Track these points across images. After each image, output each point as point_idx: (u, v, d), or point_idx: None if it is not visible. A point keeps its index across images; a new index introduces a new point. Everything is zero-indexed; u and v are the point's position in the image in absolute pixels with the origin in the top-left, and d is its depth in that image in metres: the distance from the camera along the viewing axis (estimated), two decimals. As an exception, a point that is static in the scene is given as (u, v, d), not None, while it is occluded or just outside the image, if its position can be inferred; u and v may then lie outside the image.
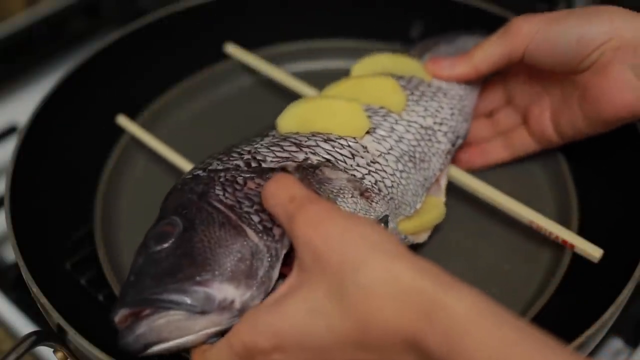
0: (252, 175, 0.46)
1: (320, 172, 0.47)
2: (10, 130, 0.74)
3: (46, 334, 0.45)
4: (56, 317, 0.44)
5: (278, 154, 0.48)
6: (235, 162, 0.47)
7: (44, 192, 0.56)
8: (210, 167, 0.47)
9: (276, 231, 0.43)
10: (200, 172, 0.47)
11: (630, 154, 0.53)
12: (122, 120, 0.62)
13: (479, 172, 0.56)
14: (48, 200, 0.55)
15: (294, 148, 0.48)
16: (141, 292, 0.41)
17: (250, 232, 0.42)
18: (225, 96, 0.67)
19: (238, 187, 0.45)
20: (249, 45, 0.68)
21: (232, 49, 0.67)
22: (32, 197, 0.54)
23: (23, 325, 0.61)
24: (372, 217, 0.47)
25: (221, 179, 0.45)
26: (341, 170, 0.48)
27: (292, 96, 0.62)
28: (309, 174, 0.46)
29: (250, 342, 0.38)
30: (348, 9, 0.70)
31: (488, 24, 0.57)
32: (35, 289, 0.45)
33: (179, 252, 0.42)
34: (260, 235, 0.42)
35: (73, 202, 0.57)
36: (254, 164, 0.47)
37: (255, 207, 0.44)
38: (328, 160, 0.48)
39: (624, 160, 0.54)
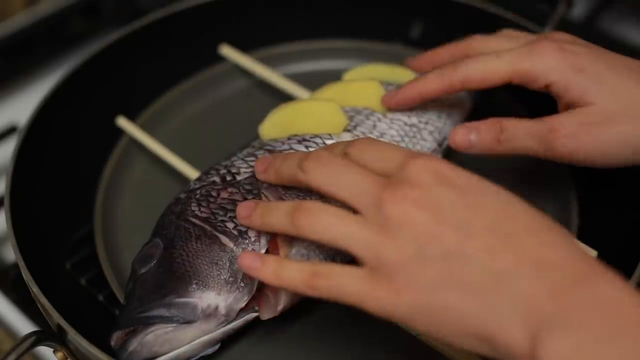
0: (226, 186, 0.47)
1: None
2: (10, 130, 0.74)
3: (46, 334, 0.45)
4: (56, 317, 0.44)
5: (251, 163, 0.49)
6: (212, 178, 0.49)
7: (44, 192, 0.56)
8: (189, 188, 0.49)
9: (251, 233, 0.44)
10: (182, 194, 0.49)
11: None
12: (122, 122, 0.62)
13: (479, 174, 0.56)
14: (48, 201, 0.55)
15: (266, 155, 0.49)
16: (130, 313, 0.43)
17: (225, 240, 0.44)
18: (225, 97, 0.67)
19: (212, 199, 0.47)
20: (249, 46, 0.68)
21: (227, 51, 0.67)
22: (32, 197, 0.54)
23: (23, 325, 0.61)
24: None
25: (197, 196, 0.47)
26: None
27: (290, 97, 0.62)
28: None
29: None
30: (347, 9, 0.69)
31: (488, 24, 0.57)
32: (35, 289, 0.45)
33: (160, 270, 0.44)
34: (235, 240, 0.44)
35: (73, 202, 0.57)
36: (228, 178, 0.48)
37: (230, 214, 0.46)
38: None
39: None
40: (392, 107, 0.53)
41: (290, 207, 0.40)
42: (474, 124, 0.49)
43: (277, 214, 0.41)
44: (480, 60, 0.49)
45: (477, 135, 0.49)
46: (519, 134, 0.48)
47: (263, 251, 0.44)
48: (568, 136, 0.46)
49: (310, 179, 0.40)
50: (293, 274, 0.39)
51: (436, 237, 0.35)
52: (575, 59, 0.47)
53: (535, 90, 0.49)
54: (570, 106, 0.48)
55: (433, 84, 0.51)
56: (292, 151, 0.49)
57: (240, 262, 0.40)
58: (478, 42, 0.54)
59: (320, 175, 0.40)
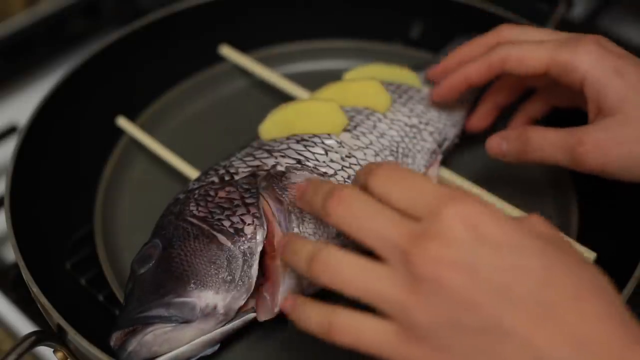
0: (224, 185, 0.48)
1: (285, 178, 0.48)
2: (10, 130, 0.74)
3: (46, 334, 0.45)
4: (56, 317, 0.44)
5: (249, 163, 0.49)
6: (210, 179, 0.49)
7: (44, 192, 0.56)
8: (188, 189, 0.49)
9: (248, 230, 0.45)
10: (181, 195, 0.49)
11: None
12: (122, 122, 0.62)
13: (480, 176, 0.56)
14: (48, 201, 0.56)
15: (265, 155, 0.50)
16: (129, 313, 0.43)
17: (222, 238, 0.44)
18: (224, 97, 0.67)
19: (210, 199, 0.47)
20: (249, 46, 0.68)
21: (227, 51, 0.67)
22: (32, 197, 0.54)
23: (23, 325, 0.61)
24: None
25: (195, 196, 0.48)
26: (308, 171, 0.48)
27: (290, 97, 0.62)
28: (274, 182, 0.47)
29: None
30: (347, 9, 0.69)
31: (488, 24, 0.56)
32: (35, 289, 0.45)
33: (159, 270, 0.44)
34: (232, 238, 0.44)
35: (73, 202, 0.57)
36: (227, 177, 0.49)
37: (226, 212, 0.46)
38: (298, 160, 0.49)
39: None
40: (439, 98, 0.54)
41: (309, 253, 0.37)
42: (505, 132, 0.49)
43: (296, 258, 0.38)
44: (523, 44, 0.49)
45: (507, 145, 0.48)
46: (545, 145, 0.47)
47: (259, 248, 0.44)
48: (597, 149, 0.45)
49: (334, 222, 0.37)
50: (308, 316, 0.37)
51: (473, 306, 0.33)
52: (617, 61, 0.46)
53: (567, 85, 0.48)
54: (601, 111, 0.46)
55: (473, 66, 0.51)
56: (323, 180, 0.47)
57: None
58: (508, 31, 0.52)
59: (342, 219, 0.37)
